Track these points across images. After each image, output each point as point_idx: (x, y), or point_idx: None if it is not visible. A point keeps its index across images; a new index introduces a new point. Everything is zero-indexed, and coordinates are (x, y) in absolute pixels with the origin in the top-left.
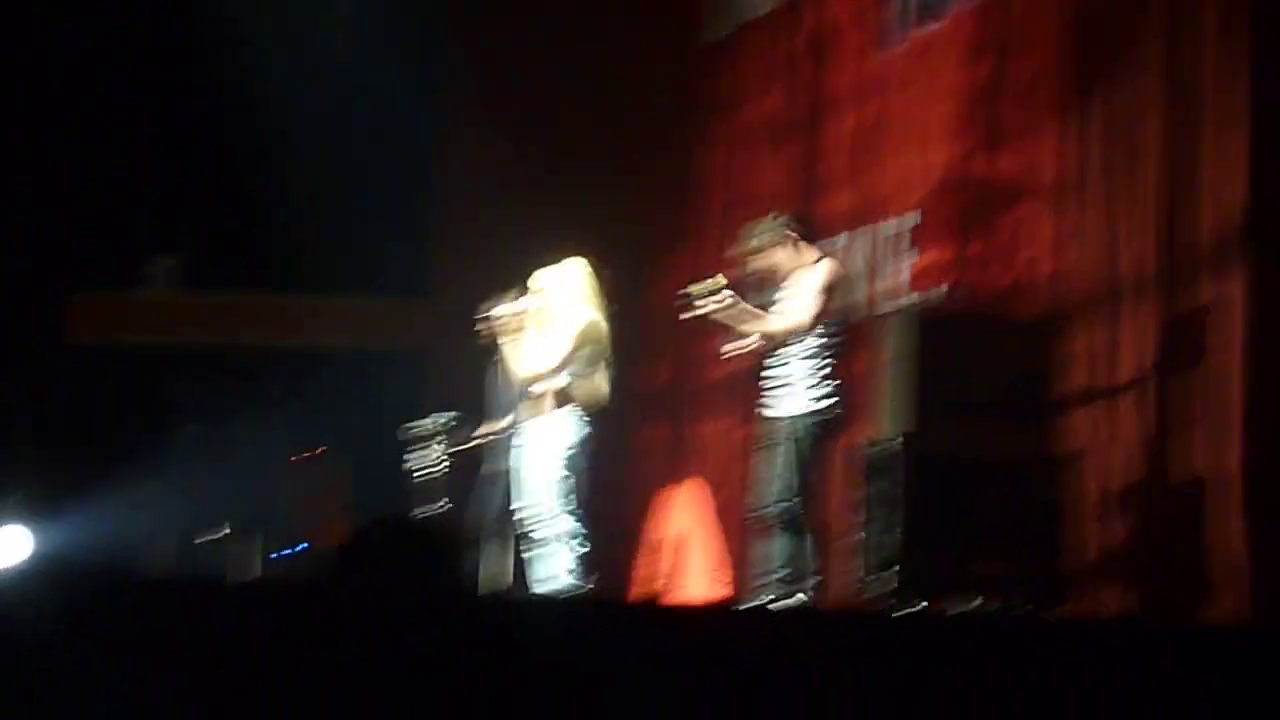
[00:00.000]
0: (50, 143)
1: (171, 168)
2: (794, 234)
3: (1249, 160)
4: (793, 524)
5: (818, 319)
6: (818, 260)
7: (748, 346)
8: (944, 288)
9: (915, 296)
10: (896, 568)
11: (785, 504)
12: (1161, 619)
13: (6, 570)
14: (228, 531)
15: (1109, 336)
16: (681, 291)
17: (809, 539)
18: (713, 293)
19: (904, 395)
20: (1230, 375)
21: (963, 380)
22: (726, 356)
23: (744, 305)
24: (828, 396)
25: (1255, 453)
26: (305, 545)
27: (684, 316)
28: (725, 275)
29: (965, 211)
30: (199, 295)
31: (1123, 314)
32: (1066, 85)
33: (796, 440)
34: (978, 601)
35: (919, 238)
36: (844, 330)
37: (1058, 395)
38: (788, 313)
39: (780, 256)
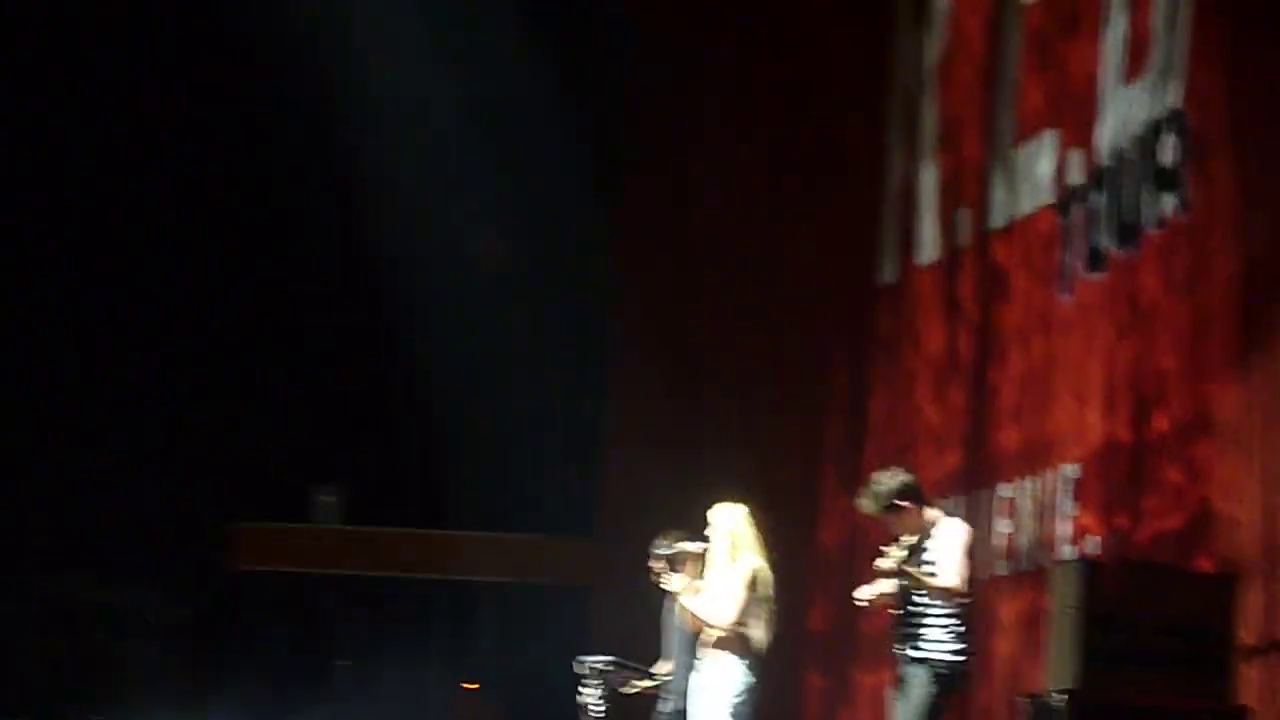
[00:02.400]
0: (223, 375)
1: (341, 403)
2: (904, 500)
3: None
4: None
5: (966, 582)
6: (944, 517)
7: (882, 597)
8: (1103, 539)
9: (1076, 548)
10: None
11: None
12: None
13: None
14: None
15: (1273, 590)
16: (883, 549)
17: None
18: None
19: (1067, 647)
20: None
21: (1130, 632)
22: (861, 602)
23: (913, 572)
24: (957, 651)
25: None
26: None
27: (877, 566)
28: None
29: (1128, 463)
30: (359, 529)
31: None
32: (1230, 333)
33: (924, 690)
34: None
35: (1082, 489)
36: (975, 589)
37: (1227, 649)
38: (945, 575)
39: (899, 520)
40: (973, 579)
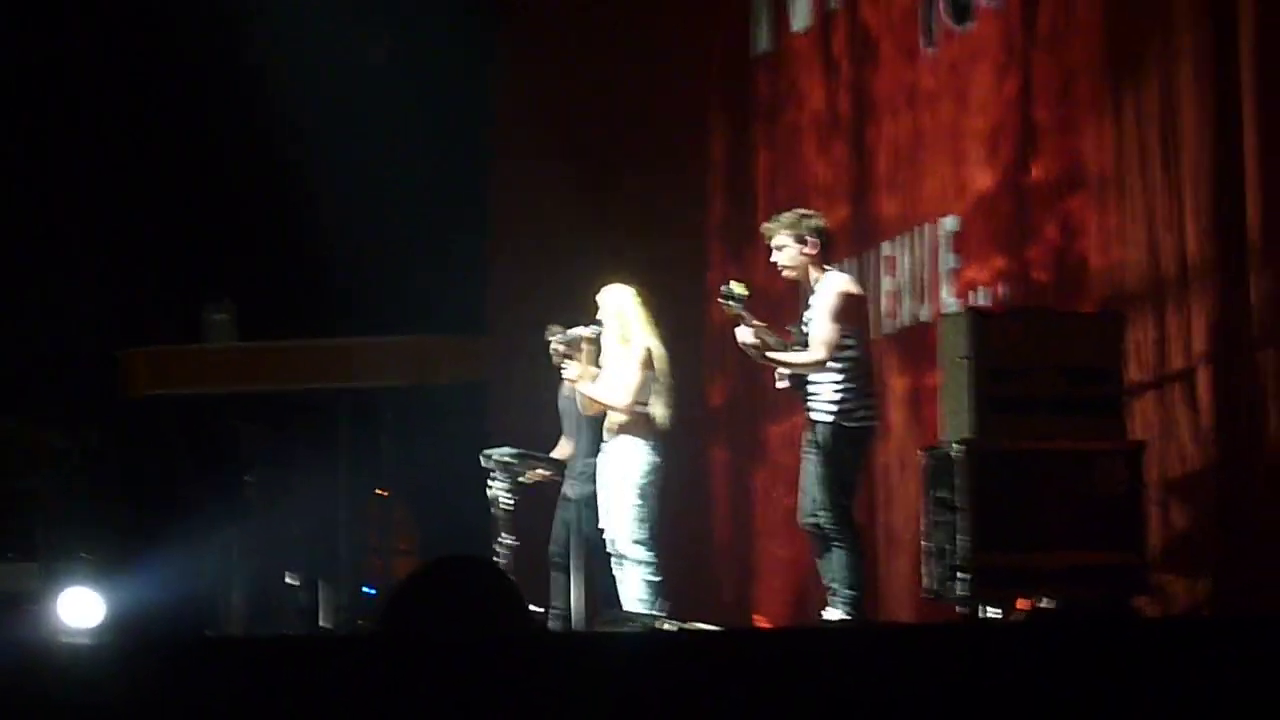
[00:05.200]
0: (99, 199)
1: (222, 218)
2: (812, 238)
3: None
4: (824, 538)
5: (833, 348)
6: (829, 275)
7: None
8: (989, 290)
9: (960, 301)
10: (965, 572)
11: (815, 519)
12: (1235, 609)
13: (80, 634)
14: (297, 581)
15: (1162, 326)
16: (721, 289)
17: (847, 553)
18: (734, 298)
19: (961, 398)
20: None
21: (1022, 378)
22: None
23: (766, 348)
24: (853, 407)
25: None
26: (373, 589)
27: (740, 340)
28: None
29: (1010, 213)
30: (253, 344)
31: (1176, 303)
32: (1101, 80)
33: (824, 451)
34: (1048, 599)
35: (962, 242)
36: (862, 343)
37: (1116, 386)
38: (810, 348)
39: (794, 256)
40: (863, 338)
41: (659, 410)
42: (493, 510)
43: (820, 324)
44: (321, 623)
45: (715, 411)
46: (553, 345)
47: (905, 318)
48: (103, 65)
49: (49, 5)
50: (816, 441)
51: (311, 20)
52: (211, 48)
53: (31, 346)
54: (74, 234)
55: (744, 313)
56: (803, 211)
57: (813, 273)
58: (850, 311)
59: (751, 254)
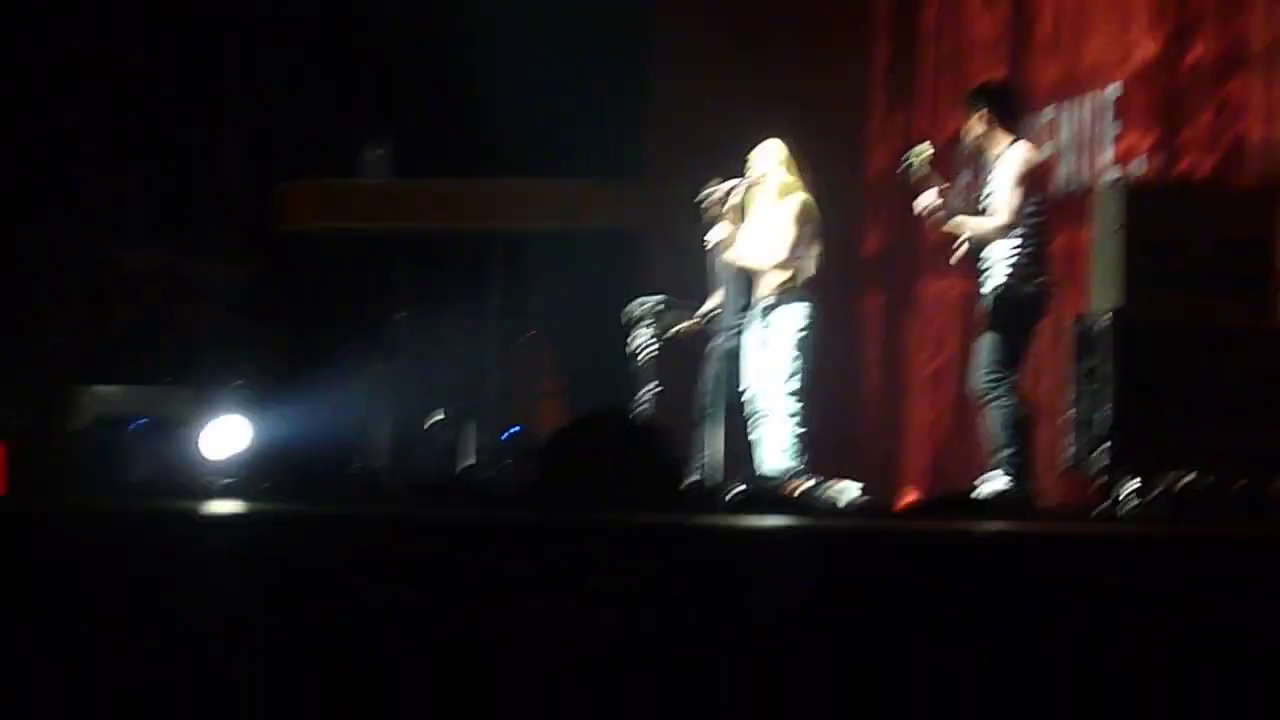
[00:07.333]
0: (260, 35)
1: (382, 55)
2: (991, 111)
3: None
4: (992, 403)
5: (1017, 214)
6: (1013, 143)
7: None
8: (1150, 157)
9: (1119, 170)
10: (1108, 444)
11: (985, 385)
12: None
13: (227, 461)
14: (442, 417)
15: None
16: (903, 159)
17: (1006, 413)
18: (919, 158)
19: (1113, 269)
20: None
21: (1175, 252)
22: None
23: (951, 213)
24: (1029, 275)
25: None
26: (519, 428)
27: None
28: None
29: (1172, 85)
30: (409, 182)
31: None
32: None
33: (997, 318)
34: (1192, 476)
35: (1124, 111)
36: (1044, 210)
37: (1268, 264)
38: (992, 215)
39: (975, 122)
40: (1044, 205)
41: (811, 264)
42: (639, 357)
43: (1002, 190)
44: (465, 462)
45: (869, 264)
46: (708, 197)
47: (1064, 183)
48: None
49: None
50: (995, 309)
51: None
52: None
53: (189, 181)
54: (233, 69)
55: (930, 174)
56: (989, 78)
57: (997, 141)
58: (1034, 177)
59: (915, 105)
